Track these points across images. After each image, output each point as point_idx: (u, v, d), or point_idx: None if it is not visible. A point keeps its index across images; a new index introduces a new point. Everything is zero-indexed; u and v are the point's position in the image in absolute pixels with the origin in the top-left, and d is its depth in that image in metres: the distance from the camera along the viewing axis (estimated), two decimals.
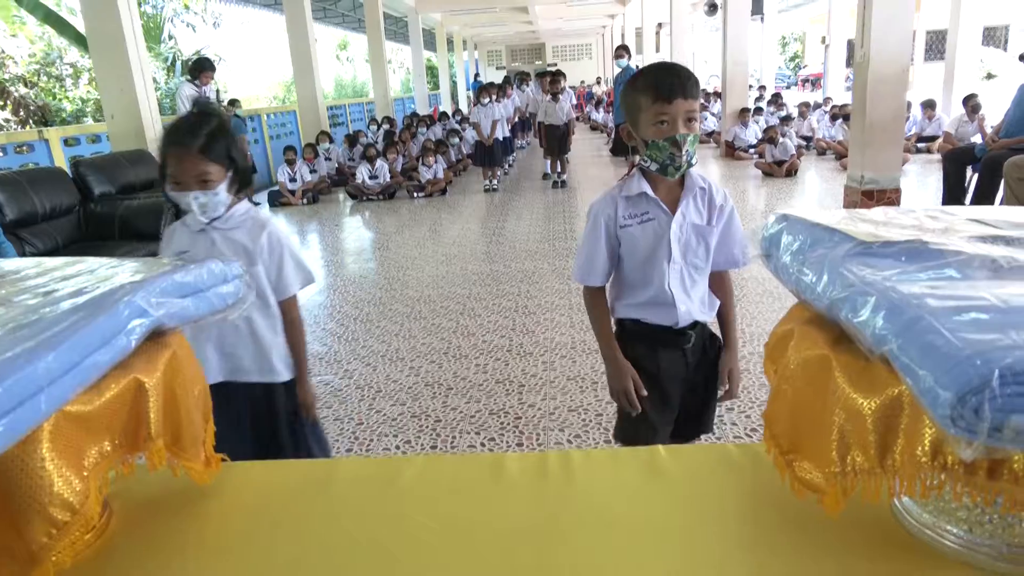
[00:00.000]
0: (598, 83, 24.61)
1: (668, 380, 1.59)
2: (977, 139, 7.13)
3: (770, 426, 0.79)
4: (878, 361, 0.61)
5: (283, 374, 1.72)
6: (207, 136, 1.54)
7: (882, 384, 0.62)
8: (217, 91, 8.00)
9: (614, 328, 1.68)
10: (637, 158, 1.54)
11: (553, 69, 10.20)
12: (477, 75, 24.18)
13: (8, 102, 12.79)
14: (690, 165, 1.47)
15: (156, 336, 0.83)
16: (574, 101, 12.13)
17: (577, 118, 16.60)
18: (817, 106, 11.19)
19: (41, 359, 0.63)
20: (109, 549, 0.80)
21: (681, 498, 0.86)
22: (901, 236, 0.72)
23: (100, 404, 0.71)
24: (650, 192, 1.52)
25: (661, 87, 1.41)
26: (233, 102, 7.81)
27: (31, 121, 12.81)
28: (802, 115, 11.08)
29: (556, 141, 9.07)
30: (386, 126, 12.30)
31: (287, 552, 0.80)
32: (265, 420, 1.72)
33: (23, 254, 4.35)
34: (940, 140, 9.17)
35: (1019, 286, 0.58)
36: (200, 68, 7.11)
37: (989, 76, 23.66)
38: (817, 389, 0.70)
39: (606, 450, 0.96)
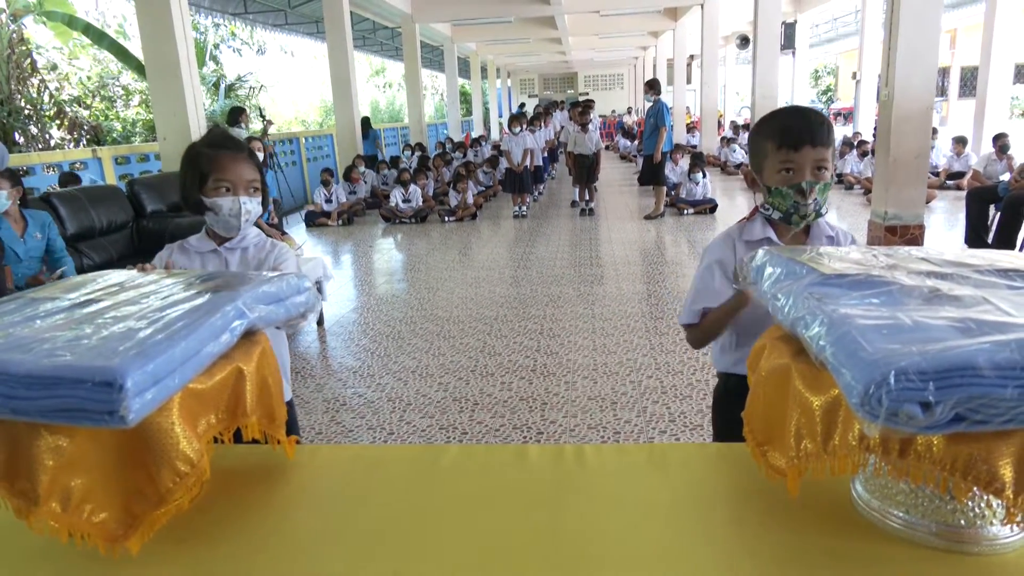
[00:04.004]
0: (628, 113, 24.89)
1: None
2: (1005, 178, 7.18)
3: (748, 423, 0.96)
4: (823, 367, 0.78)
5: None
6: (249, 149, 1.58)
7: (827, 386, 0.79)
8: (260, 110, 9.02)
9: (716, 382, 1.60)
10: (759, 199, 1.46)
11: (584, 99, 10.46)
12: (523, 104, 24.66)
13: (65, 121, 13.45)
14: (818, 215, 1.37)
15: (248, 335, 1.03)
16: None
17: (606, 147, 16.87)
18: (852, 147, 11.16)
19: (177, 345, 0.83)
20: (208, 504, 0.99)
21: (675, 483, 1.02)
22: (853, 270, 0.89)
23: (211, 384, 0.91)
24: (775, 238, 1.42)
25: (787, 133, 1.33)
26: (262, 131, 8.90)
27: (84, 140, 13.46)
28: (841, 155, 10.97)
29: (585, 170, 9.30)
30: (419, 152, 12.67)
31: (345, 514, 0.98)
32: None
33: (80, 266, 4.65)
34: (968, 177, 9.20)
35: (931, 311, 0.75)
36: (238, 113, 8.29)
37: None
38: (781, 391, 0.86)
39: (614, 445, 1.13)
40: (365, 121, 13.04)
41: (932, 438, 0.70)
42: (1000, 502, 0.74)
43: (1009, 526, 0.79)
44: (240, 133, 7.46)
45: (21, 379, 0.75)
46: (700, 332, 1.50)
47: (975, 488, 0.70)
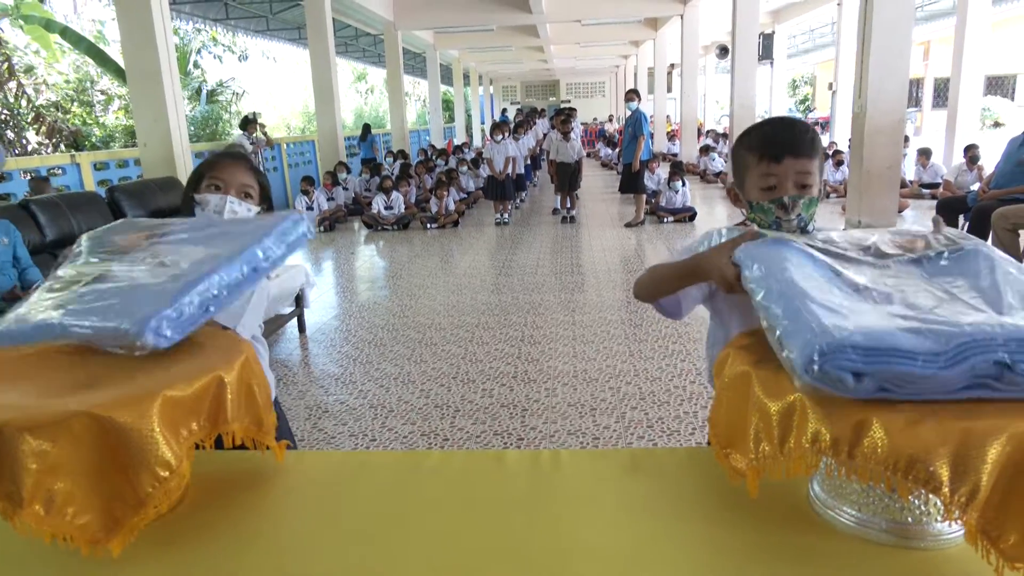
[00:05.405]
0: (610, 121, 25.11)
1: None
2: (975, 188, 7.35)
3: (713, 427, 1.01)
4: (783, 376, 0.83)
5: None
6: (255, 166, 1.65)
7: (784, 392, 0.84)
8: (258, 121, 9.87)
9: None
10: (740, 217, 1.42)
11: (566, 107, 10.54)
12: (504, 111, 24.80)
13: (43, 126, 13.30)
14: (804, 231, 1.27)
15: (231, 344, 1.07)
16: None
17: (588, 155, 16.99)
18: (827, 156, 11.42)
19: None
20: (195, 507, 1.02)
21: (648, 486, 1.06)
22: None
23: (190, 392, 0.94)
24: None
25: (768, 144, 1.28)
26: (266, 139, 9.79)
27: (63, 145, 13.31)
28: None
29: (567, 178, 9.37)
30: (401, 159, 12.69)
31: (329, 518, 1.01)
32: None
33: None
34: (941, 187, 9.40)
35: (865, 304, 0.84)
36: (247, 123, 9.51)
37: (997, 124, 24.01)
38: (743, 397, 0.91)
39: (590, 450, 1.17)
40: (366, 127, 14.77)
41: (877, 440, 0.75)
42: (939, 500, 0.79)
43: (948, 522, 0.85)
44: (243, 140, 7.71)
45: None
46: (649, 276, 1.38)
47: (917, 487, 0.75)
